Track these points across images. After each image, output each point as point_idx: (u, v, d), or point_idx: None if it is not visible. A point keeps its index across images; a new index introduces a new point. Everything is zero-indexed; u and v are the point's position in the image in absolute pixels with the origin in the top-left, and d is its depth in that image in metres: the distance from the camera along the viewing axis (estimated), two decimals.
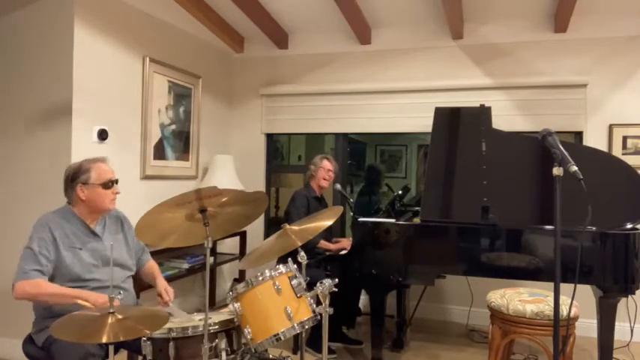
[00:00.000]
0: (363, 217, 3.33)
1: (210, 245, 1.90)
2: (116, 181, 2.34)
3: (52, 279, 2.15)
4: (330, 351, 3.49)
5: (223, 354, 1.91)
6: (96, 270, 2.25)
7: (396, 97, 4.52)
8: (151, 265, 2.58)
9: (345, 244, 3.75)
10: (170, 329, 1.90)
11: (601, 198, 2.77)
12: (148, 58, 3.80)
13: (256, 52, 4.96)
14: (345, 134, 4.82)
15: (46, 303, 2.12)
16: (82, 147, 3.21)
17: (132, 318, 1.70)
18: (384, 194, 5.75)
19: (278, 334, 1.96)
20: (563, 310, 2.56)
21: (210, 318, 1.95)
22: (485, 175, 3.09)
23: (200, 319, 2.05)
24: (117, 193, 2.33)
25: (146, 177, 3.84)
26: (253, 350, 2.01)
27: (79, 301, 2.02)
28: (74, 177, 2.27)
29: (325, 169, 3.73)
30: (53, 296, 2.08)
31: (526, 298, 2.74)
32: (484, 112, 3.49)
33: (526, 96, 4.20)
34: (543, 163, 3.04)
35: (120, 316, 1.67)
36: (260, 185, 4.96)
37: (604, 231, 2.74)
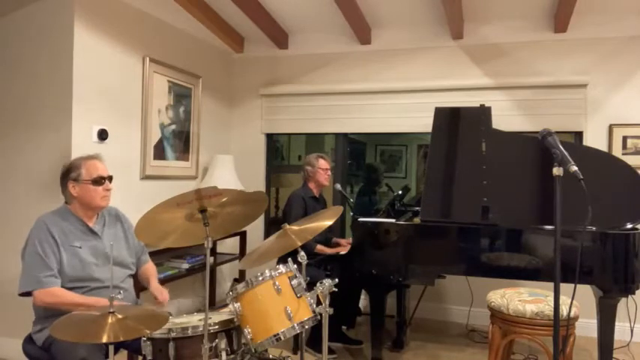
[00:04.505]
0: (363, 217, 3.32)
1: (210, 245, 1.90)
2: (109, 178, 2.32)
3: None
4: (330, 351, 3.49)
5: (223, 354, 1.91)
6: (96, 268, 2.25)
7: (396, 97, 4.52)
8: (148, 267, 2.57)
9: (343, 246, 3.75)
10: (170, 329, 1.90)
11: (601, 198, 2.77)
12: (148, 58, 3.80)
13: (256, 52, 4.95)
14: (345, 134, 4.82)
15: (65, 310, 2.08)
16: (82, 147, 3.20)
17: (132, 318, 1.70)
18: (384, 194, 5.75)
19: (278, 334, 1.96)
20: (563, 310, 2.56)
21: (210, 318, 1.95)
22: (485, 175, 3.09)
23: (200, 319, 2.05)
24: (108, 189, 2.31)
25: (146, 177, 3.84)
26: (253, 350, 2.01)
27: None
28: (66, 174, 2.27)
29: (323, 169, 3.73)
30: (71, 305, 2.07)
31: (526, 298, 2.73)
32: (484, 112, 3.49)
33: (526, 96, 4.20)
34: (543, 163, 3.04)
35: (120, 316, 1.67)
36: (260, 185, 4.96)
37: (604, 231, 2.74)
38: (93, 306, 2.05)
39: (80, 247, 2.23)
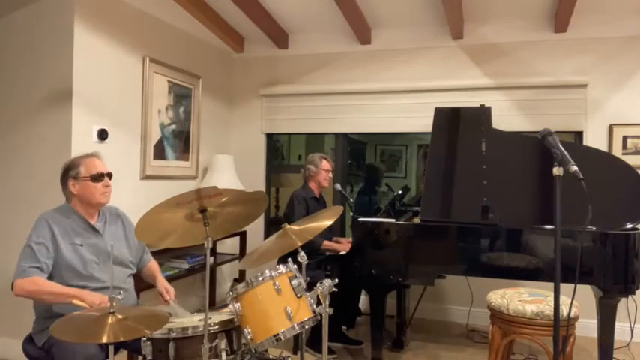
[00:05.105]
0: (363, 217, 3.32)
1: (210, 245, 1.90)
2: (108, 175, 2.33)
3: (52, 276, 2.15)
4: (330, 351, 3.49)
5: (223, 354, 1.91)
6: (97, 267, 2.25)
7: (396, 97, 4.52)
8: (152, 265, 2.58)
9: (344, 245, 3.75)
10: (170, 329, 1.90)
11: (601, 198, 2.77)
12: (148, 58, 3.80)
13: (256, 52, 4.95)
14: (345, 134, 4.82)
15: (45, 300, 2.11)
16: (82, 147, 3.20)
17: (132, 318, 1.70)
18: (384, 194, 5.75)
19: (278, 334, 1.96)
20: (563, 310, 2.56)
21: (210, 318, 1.95)
22: (485, 175, 3.09)
23: (200, 319, 2.05)
24: (107, 186, 2.32)
25: (146, 177, 3.84)
26: (253, 350, 2.01)
27: (75, 301, 2.02)
28: (65, 173, 2.29)
29: (325, 170, 3.73)
30: (51, 294, 2.08)
31: (526, 298, 2.74)
32: (484, 112, 3.49)
33: (526, 96, 4.20)
34: (543, 163, 3.04)
35: (120, 316, 1.67)
36: (260, 185, 4.96)
37: (604, 231, 2.74)
38: (73, 297, 2.04)
39: (81, 245, 2.24)
